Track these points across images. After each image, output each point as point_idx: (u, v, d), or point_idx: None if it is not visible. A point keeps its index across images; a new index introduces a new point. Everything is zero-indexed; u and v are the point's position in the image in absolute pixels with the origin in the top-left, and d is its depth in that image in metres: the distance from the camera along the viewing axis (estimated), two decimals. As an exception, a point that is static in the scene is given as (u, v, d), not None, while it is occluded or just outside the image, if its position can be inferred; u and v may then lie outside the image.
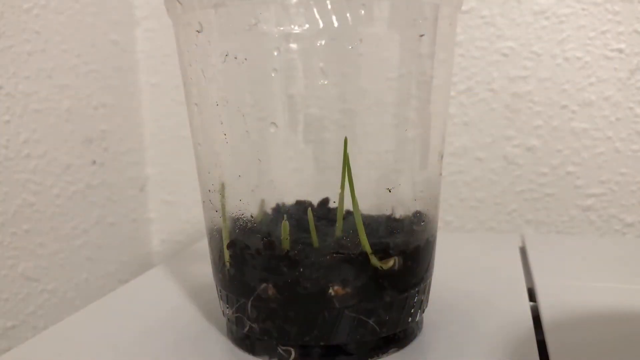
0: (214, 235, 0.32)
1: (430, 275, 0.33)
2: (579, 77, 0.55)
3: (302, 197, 0.34)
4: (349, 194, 0.29)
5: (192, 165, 0.35)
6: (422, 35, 0.30)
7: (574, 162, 0.57)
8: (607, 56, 0.54)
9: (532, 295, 0.39)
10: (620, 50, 0.54)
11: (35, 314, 0.51)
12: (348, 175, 0.28)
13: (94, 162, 0.58)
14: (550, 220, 0.58)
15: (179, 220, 0.68)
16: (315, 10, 0.28)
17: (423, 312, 0.33)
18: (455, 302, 0.37)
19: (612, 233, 0.57)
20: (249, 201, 0.32)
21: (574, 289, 0.40)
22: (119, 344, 0.33)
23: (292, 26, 0.28)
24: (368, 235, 0.29)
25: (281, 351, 0.30)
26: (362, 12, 0.28)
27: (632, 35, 0.54)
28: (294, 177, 0.32)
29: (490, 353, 0.30)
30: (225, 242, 0.31)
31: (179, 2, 0.30)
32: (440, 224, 0.60)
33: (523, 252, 0.49)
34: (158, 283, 0.43)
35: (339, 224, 0.30)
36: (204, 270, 0.40)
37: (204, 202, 0.33)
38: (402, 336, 0.32)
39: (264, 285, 0.29)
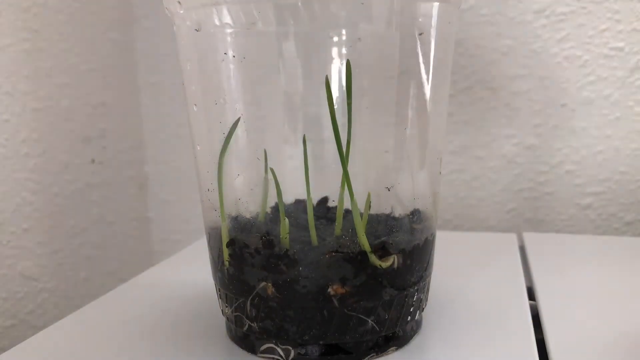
0: (213, 234, 0.32)
1: (430, 274, 0.33)
2: (579, 76, 0.55)
3: (301, 196, 0.34)
4: (348, 192, 0.29)
5: (191, 164, 0.35)
6: (421, 34, 0.30)
7: (574, 160, 0.57)
8: (607, 55, 0.54)
9: (531, 294, 0.39)
10: (619, 49, 0.54)
11: (35, 313, 0.51)
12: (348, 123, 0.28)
13: (93, 160, 0.58)
14: (549, 219, 0.58)
15: (178, 219, 0.68)
16: (314, 9, 0.28)
17: (422, 310, 0.33)
18: (454, 301, 0.38)
19: (612, 232, 0.57)
20: (248, 200, 0.32)
21: (573, 287, 0.40)
22: (118, 343, 0.33)
23: (291, 25, 0.28)
24: (367, 234, 0.29)
25: (280, 350, 0.30)
26: (362, 10, 0.28)
27: (631, 33, 0.54)
28: (293, 176, 0.32)
29: (489, 352, 0.30)
30: (225, 241, 0.31)
31: (179, 1, 0.30)
32: (439, 223, 0.60)
33: (522, 250, 0.49)
34: (157, 282, 0.43)
35: (339, 222, 0.30)
36: (203, 269, 0.40)
37: (203, 201, 0.33)
38: (402, 335, 0.32)
39: (263, 284, 0.29)
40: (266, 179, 0.32)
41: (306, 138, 0.29)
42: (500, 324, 0.34)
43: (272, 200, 0.33)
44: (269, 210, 0.33)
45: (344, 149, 0.28)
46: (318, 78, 0.30)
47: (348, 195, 0.29)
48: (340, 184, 0.30)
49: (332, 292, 0.29)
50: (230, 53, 0.29)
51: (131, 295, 0.41)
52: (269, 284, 0.29)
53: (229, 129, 0.30)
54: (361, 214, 0.29)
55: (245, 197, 0.32)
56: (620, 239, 0.55)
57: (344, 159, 0.29)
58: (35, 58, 0.50)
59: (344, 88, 0.28)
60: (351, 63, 0.28)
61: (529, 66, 0.56)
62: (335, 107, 0.28)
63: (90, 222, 0.57)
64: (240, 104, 0.30)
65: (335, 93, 0.28)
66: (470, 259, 0.47)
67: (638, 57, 0.54)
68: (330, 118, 0.27)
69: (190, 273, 0.44)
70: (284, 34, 0.29)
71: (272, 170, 0.30)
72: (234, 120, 0.30)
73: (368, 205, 0.29)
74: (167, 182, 0.67)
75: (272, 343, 0.30)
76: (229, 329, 0.33)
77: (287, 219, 0.29)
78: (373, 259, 0.29)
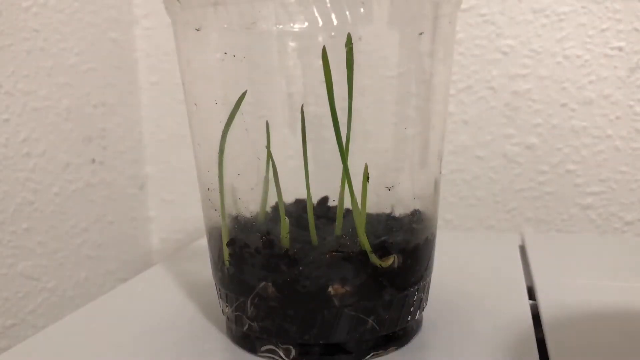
0: (214, 234, 0.32)
1: (430, 273, 0.33)
2: (579, 75, 0.55)
3: (301, 196, 0.34)
4: (349, 192, 0.29)
5: (192, 163, 0.35)
6: (421, 34, 0.30)
7: (574, 160, 0.56)
8: (607, 54, 0.54)
9: (531, 294, 0.39)
10: (620, 49, 0.54)
11: (35, 312, 0.51)
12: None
13: (94, 160, 0.58)
14: (550, 218, 0.58)
15: (178, 218, 0.68)
16: (314, 8, 0.28)
17: (422, 310, 0.33)
18: (454, 301, 0.37)
19: (612, 231, 0.57)
20: (248, 199, 0.32)
21: (574, 287, 0.40)
22: (119, 342, 0.33)
23: (291, 24, 0.28)
24: (367, 233, 0.29)
25: (281, 350, 0.30)
26: (362, 10, 0.28)
27: (631, 33, 0.54)
28: (293, 176, 0.32)
29: (489, 352, 0.30)
30: (225, 241, 0.31)
31: (178, 1, 0.30)
32: (439, 222, 0.60)
33: (523, 250, 0.49)
34: (157, 281, 0.43)
35: (339, 222, 0.30)
36: (204, 269, 0.40)
37: (203, 200, 0.33)
38: (402, 335, 0.32)
39: (263, 283, 0.29)
40: (266, 179, 0.32)
41: (306, 138, 0.29)
42: (500, 323, 0.34)
43: (272, 200, 0.33)
44: (269, 209, 0.33)
45: (344, 147, 0.28)
46: (318, 77, 0.30)
47: (348, 194, 0.29)
48: (340, 183, 0.30)
49: (332, 292, 0.29)
50: (230, 52, 0.29)
51: (131, 295, 0.41)
52: (270, 284, 0.29)
53: (229, 129, 0.30)
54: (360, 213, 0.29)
55: (246, 196, 0.32)
56: (621, 238, 0.55)
57: (344, 158, 0.29)
58: (36, 57, 0.50)
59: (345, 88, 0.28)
60: (352, 64, 0.28)
61: (529, 66, 0.56)
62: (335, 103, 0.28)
63: (90, 222, 0.57)
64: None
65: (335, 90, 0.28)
66: (470, 259, 0.47)
67: (638, 57, 0.54)
68: (329, 109, 0.27)
69: (190, 273, 0.44)
70: (283, 34, 0.29)
71: (273, 164, 0.30)
72: (234, 119, 0.30)
73: (365, 177, 0.28)
74: (167, 182, 0.67)
75: (272, 343, 0.30)
76: (229, 329, 0.33)
77: (287, 219, 0.29)
78: (373, 258, 0.29)
